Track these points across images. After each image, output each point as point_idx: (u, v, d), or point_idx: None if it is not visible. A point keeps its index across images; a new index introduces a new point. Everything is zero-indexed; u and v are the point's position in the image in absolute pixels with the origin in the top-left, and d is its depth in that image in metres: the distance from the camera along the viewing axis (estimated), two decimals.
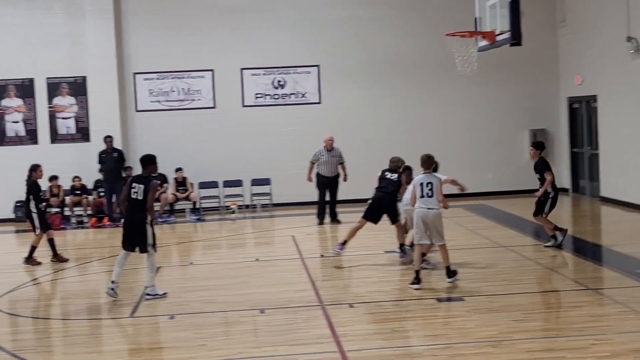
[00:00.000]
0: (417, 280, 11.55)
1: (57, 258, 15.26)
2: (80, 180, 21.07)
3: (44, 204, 15.60)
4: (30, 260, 15.03)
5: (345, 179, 18.97)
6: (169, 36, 22.22)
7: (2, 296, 12.56)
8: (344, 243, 14.07)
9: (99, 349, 9.54)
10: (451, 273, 11.84)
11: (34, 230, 15.14)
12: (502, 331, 9.26)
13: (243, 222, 20.60)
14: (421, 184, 11.67)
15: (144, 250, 11.73)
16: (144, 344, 9.80)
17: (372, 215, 13.87)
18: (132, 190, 11.67)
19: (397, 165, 13.92)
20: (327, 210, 18.98)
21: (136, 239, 11.71)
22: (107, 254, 16.45)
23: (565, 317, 9.77)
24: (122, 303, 11.70)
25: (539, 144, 15.14)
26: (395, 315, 10.39)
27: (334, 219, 18.92)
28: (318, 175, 18.86)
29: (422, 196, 11.64)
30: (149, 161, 11.84)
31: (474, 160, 22.88)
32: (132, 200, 11.68)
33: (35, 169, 15.28)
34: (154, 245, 11.78)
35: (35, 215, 15.03)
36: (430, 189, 11.59)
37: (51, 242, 15.23)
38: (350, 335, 9.39)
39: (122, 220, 12.12)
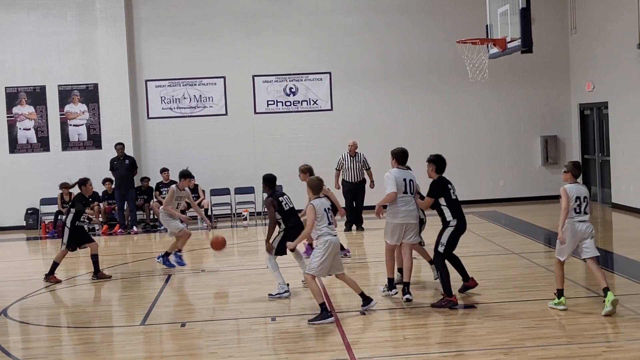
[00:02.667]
0: (326, 314, 10.45)
1: (99, 275, 14.37)
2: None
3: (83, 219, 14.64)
4: (51, 277, 14.22)
5: (372, 186, 18.73)
6: (180, 43, 22.31)
7: (13, 304, 12.60)
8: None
9: (111, 357, 9.54)
10: (367, 300, 10.95)
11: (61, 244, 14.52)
12: (514, 338, 9.24)
13: (255, 229, 20.61)
14: (325, 210, 10.69)
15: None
16: (155, 352, 9.82)
17: None
18: (283, 203, 12.02)
19: None
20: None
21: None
22: (119, 262, 16.49)
23: (576, 324, 9.74)
24: (134, 311, 11.74)
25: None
26: (407, 323, 10.38)
27: (359, 226, 18.86)
28: (343, 181, 18.81)
29: (330, 223, 10.67)
30: (272, 180, 12.41)
31: (486, 166, 22.87)
32: (288, 212, 12.03)
33: (84, 183, 14.53)
34: None
35: (67, 230, 14.29)
36: (331, 215, 10.82)
37: (94, 258, 14.42)
38: (362, 343, 9.40)
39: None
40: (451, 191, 11.19)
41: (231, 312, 11.37)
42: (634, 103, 19.30)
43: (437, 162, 11.38)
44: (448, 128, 22.75)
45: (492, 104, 22.92)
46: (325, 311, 10.46)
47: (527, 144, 23.08)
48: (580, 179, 10.66)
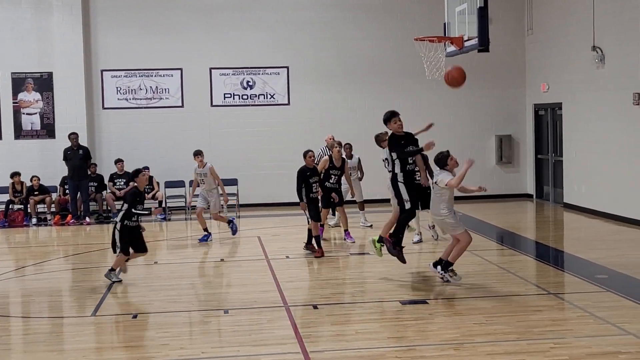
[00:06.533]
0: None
1: (310, 248, 14.84)
2: (38, 180, 20.73)
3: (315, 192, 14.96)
4: (310, 246, 14.82)
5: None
6: (137, 34, 22.12)
7: None
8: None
9: (60, 348, 9.46)
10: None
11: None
12: (464, 334, 9.32)
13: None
14: None
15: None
16: (105, 342, 9.75)
17: None
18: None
19: None
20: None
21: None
22: (70, 252, 16.34)
23: (526, 320, 9.85)
24: (85, 302, 11.64)
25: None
26: (359, 317, 10.42)
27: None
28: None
29: None
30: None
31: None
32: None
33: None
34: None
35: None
36: None
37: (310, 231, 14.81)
38: (314, 336, 9.40)
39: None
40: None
41: (183, 304, 11.31)
42: (588, 104, 19.56)
43: None
44: (404, 125, 22.78)
45: (448, 102, 23.05)
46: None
47: (482, 142, 23.28)
48: None
